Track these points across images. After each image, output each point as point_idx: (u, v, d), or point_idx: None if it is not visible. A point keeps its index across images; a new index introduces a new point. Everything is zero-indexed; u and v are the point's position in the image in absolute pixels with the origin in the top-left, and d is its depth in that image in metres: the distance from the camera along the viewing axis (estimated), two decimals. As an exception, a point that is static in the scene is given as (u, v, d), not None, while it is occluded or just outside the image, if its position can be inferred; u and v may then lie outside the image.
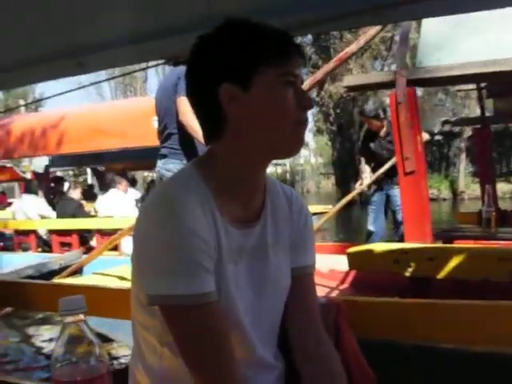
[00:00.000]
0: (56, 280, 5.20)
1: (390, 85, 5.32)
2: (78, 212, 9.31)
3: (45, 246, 8.84)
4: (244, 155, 1.28)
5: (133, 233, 1.28)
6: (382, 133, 7.22)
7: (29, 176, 13.26)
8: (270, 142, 1.26)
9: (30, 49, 2.24)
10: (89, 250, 7.28)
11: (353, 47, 4.55)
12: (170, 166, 4.44)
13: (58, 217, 9.08)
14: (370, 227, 7.23)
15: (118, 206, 8.35)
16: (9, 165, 19.57)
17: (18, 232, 9.12)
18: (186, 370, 1.21)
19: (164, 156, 4.53)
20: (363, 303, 1.98)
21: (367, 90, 17.10)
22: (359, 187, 7.34)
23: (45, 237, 8.95)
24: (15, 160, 14.32)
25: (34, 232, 8.85)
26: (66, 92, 3.01)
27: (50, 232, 8.77)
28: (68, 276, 5.45)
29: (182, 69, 4.35)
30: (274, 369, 1.43)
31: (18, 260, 7.38)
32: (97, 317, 3.92)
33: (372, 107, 7.18)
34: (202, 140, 4.33)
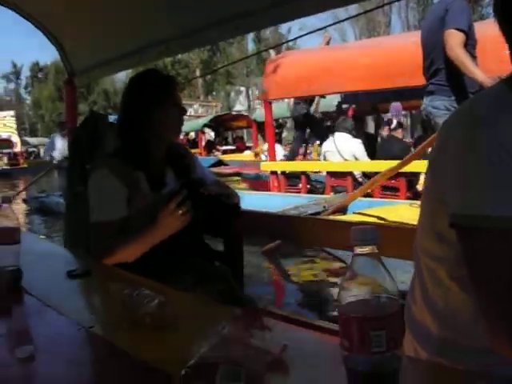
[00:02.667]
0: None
1: None
2: (405, 154, 7.64)
3: (360, 189, 8.23)
4: None
5: (430, 159, 1.24)
6: None
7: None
8: None
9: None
10: (414, 195, 6.73)
11: None
12: (437, 103, 4.29)
13: (377, 158, 7.90)
14: None
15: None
16: (245, 113, 21.20)
17: (332, 174, 8.13)
18: (473, 310, 1.11)
19: (431, 93, 4.38)
20: None
21: None
22: None
23: (360, 179, 7.98)
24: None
25: (351, 174, 7.85)
26: (314, 31, 2.97)
27: (365, 175, 7.87)
28: (330, 215, 5.56)
29: (450, 0, 4.20)
30: None
31: (283, 201, 7.14)
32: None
33: None
34: (472, 74, 4.10)
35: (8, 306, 1.56)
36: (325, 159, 8.48)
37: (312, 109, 9.63)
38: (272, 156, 9.18)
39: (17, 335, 1.40)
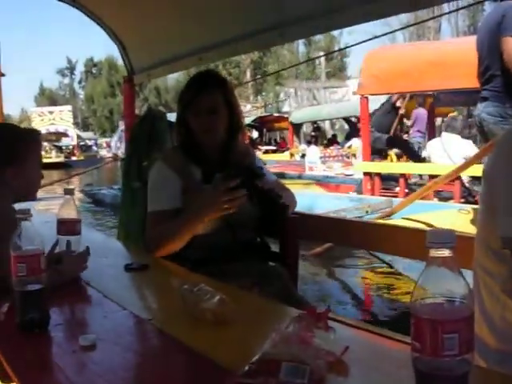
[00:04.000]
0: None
1: None
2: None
3: (469, 196, 7.17)
4: None
5: (484, 172, 1.21)
6: None
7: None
8: None
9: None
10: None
11: None
12: (490, 110, 4.21)
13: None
14: None
15: None
16: (286, 115, 22.06)
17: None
18: None
19: (485, 99, 4.29)
20: None
21: None
22: None
23: (467, 185, 7.21)
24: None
25: (459, 179, 6.93)
26: (368, 40, 2.94)
27: (475, 179, 6.95)
28: (378, 219, 5.48)
29: (508, 5, 4.10)
30: None
31: (327, 203, 6.84)
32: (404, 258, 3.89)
33: None
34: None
35: (69, 295, 1.60)
36: (429, 161, 7.75)
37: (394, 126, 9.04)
38: (366, 156, 8.09)
39: (78, 324, 1.45)
